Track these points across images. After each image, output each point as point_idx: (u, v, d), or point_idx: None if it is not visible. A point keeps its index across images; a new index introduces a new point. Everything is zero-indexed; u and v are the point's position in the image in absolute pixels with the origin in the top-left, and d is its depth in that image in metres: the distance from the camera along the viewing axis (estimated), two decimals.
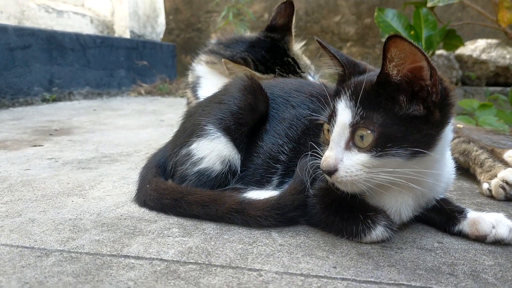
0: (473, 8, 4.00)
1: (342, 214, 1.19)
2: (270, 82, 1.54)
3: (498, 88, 5.01)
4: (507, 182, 1.57)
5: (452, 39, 4.65)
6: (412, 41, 0.99)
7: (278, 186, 1.38)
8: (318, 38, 1.20)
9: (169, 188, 1.42)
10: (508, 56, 6.45)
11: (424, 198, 1.21)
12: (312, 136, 1.35)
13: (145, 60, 6.56)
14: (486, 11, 3.95)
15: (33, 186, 1.70)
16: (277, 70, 2.04)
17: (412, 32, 4.65)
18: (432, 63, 1.02)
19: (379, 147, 1.04)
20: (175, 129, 2.99)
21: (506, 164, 1.72)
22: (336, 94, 1.15)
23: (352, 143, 1.08)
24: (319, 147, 1.25)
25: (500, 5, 3.58)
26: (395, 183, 1.07)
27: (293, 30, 2.20)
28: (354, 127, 1.07)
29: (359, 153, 1.07)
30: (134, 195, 1.53)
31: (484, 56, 6.68)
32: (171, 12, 8.60)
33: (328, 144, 1.13)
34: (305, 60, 2.22)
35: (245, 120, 1.40)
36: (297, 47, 2.23)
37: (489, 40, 6.74)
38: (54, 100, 4.86)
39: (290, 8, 2.17)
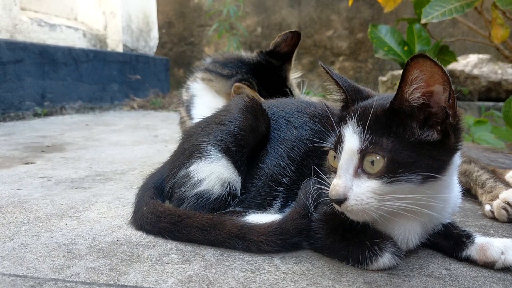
0: (464, 24, 4.03)
1: (347, 240, 1.15)
2: (271, 102, 1.51)
3: (491, 103, 5.04)
4: (509, 204, 1.54)
5: (445, 54, 4.67)
6: (435, 60, 0.96)
7: (281, 209, 1.34)
8: (322, 63, 1.17)
9: (167, 211, 1.38)
10: (499, 71, 6.50)
11: (431, 223, 1.18)
12: (315, 158, 1.32)
13: (138, 74, 6.54)
14: (477, 26, 3.97)
15: (25, 208, 1.65)
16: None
17: (405, 48, 4.67)
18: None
19: (390, 173, 1.01)
20: (170, 145, 2.94)
21: (507, 185, 1.70)
22: (341, 120, 1.12)
23: (361, 169, 1.04)
24: (322, 170, 1.22)
25: (494, 22, 3.60)
26: (406, 210, 1.04)
27: (293, 60, 2.17)
28: (363, 153, 1.03)
29: (369, 180, 1.03)
30: (130, 218, 1.48)
31: (476, 71, 6.73)
32: (164, 26, 8.61)
33: (334, 172, 1.10)
34: (297, 92, 2.20)
35: (246, 141, 1.37)
36: (293, 76, 2.21)
37: (481, 55, 6.80)
38: (46, 115, 4.80)
39: (297, 38, 2.14)
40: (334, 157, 1.11)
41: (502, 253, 1.14)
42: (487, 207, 1.60)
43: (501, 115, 3.77)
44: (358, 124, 1.06)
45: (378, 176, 1.02)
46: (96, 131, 3.88)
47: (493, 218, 1.58)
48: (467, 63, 6.76)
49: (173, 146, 3.14)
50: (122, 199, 1.78)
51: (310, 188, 1.23)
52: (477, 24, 4.45)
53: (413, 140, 1.03)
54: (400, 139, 1.03)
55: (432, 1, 3.26)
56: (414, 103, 1.03)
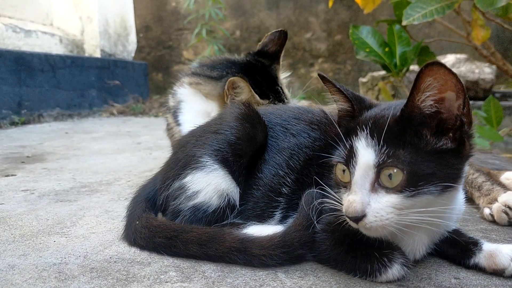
0: (443, 25, 4.05)
1: (355, 251, 1.11)
2: (267, 109, 1.47)
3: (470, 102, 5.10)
4: (509, 207, 1.53)
5: (426, 55, 4.69)
6: (449, 68, 0.93)
7: (282, 220, 1.29)
8: (320, 73, 1.13)
9: (161, 225, 1.32)
10: (477, 70, 6.60)
11: (439, 232, 1.15)
12: (315, 166, 1.28)
13: (116, 80, 6.41)
14: (454, 26, 4.01)
15: (9, 224, 1.56)
16: (271, 96, 1.97)
17: (386, 49, 4.68)
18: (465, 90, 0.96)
19: (412, 186, 0.97)
20: (154, 153, 2.87)
21: (504, 187, 1.68)
22: (351, 132, 1.07)
23: (378, 184, 1.00)
24: (323, 180, 1.18)
25: (474, 23, 3.63)
26: (424, 222, 1.00)
27: (281, 60, 2.15)
28: (380, 167, 0.99)
29: (388, 195, 0.99)
30: (122, 233, 1.42)
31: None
32: (142, 30, 8.49)
33: (344, 186, 1.06)
34: (287, 92, 2.17)
35: (244, 151, 1.31)
36: (282, 76, 2.18)
37: (458, 55, 6.90)
38: (24, 123, 4.66)
39: (284, 37, 2.12)
40: (343, 170, 1.07)
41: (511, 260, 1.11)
42: (487, 211, 1.59)
43: (485, 114, 3.81)
44: (371, 136, 1.02)
45: (398, 190, 0.98)
46: (77, 140, 3.77)
47: (493, 222, 1.56)
48: (445, 63, 6.82)
49: (157, 153, 3.09)
50: (111, 212, 1.71)
51: (313, 198, 1.19)
52: (453, 24, 4.49)
53: (430, 149, 0.99)
54: (416, 149, 0.99)
55: (413, 2, 3.26)
56: (427, 110, 0.99)
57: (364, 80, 6.29)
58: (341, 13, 8.12)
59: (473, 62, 6.97)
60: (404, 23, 3.87)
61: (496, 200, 1.58)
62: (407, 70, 4.39)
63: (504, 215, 1.52)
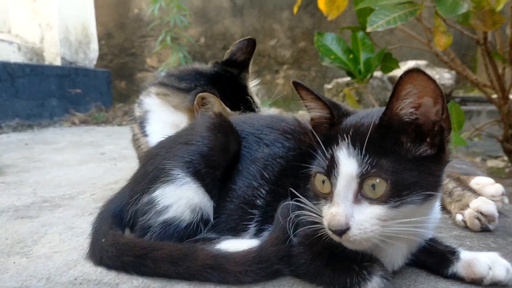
0: (404, 32, 4.12)
1: (333, 265, 1.08)
2: (239, 118, 1.42)
3: None
4: (481, 213, 1.53)
5: (389, 61, 4.76)
6: (429, 74, 0.91)
7: (256, 234, 1.25)
8: (296, 80, 1.09)
9: (129, 242, 1.25)
10: (437, 76, 6.77)
11: (417, 242, 1.13)
12: (290, 177, 1.24)
13: (78, 88, 6.22)
14: (415, 33, 4.09)
15: None
16: (241, 107, 1.92)
17: (351, 56, 4.72)
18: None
19: (396, 197, 0.94)
20: (119, 163, 2.77)
21: (474, 193, 1.69)
22: (330, 141, 1.04)
23: (360, 195, 0.97)
24: (298, 191, 1.14)
25: (436, 29, 3.70)
26: (407, 232, 0.98)
27: (250, 68, 2.10)
28: (363, 177, 0.96)
29: (371, 206, 0.96)
30: (87, 251, 1.33)
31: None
32: (104, 37, 8.31)
33: (324, 198, 1.02)
34: (257, 100, 2.13)
35: (217, 162, 1.26)
36: (252, 85, 2.14)
37: (419, 62, 7.07)
38: None
39: (253, 46, 2.08)
40: (323, 181, 1.03)
41: (490, 268, 1.10)
42: (459, 217, 1.58)
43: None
44: (353, 146, 0.99)
45: (383, 200, 0.95)
46: (37, 151, 3.62)
47: (466, 228, 1.56)
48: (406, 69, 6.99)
49: (123, 164, 2.99)
50: (75, 229, 1.62)
51: (289, 210, 1.15)
52: (414, 31, 4.58)
53: (411, 157, 0.97)
54: (398, 158, 0.97)
55: (376, 10, 3.29)
56: (406, 118, 0.98)
57: (329, 86, 6.33)
58: (305, 20, 8.19)
59: (433, 68, 7.16)
60: (368, 30, 3.90)
61: (467, 206, 1.58)
62: (371, 76, 4.45)
63: (476, 221, 1.52)
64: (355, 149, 0.98)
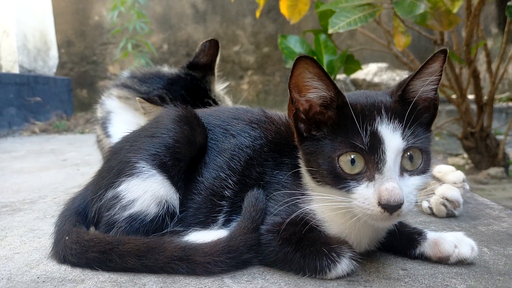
0: (364, 35, 4.21)
1: (303, 250, 1.07)
2: (205, 111, 1.40)
3: None
4: (447, 199, 1.56)
5: (351, 63, 4.84)
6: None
7: (225, 224, 1.23)
8: (304, 54, 1.10)
9: (94, 238, 1.21)
10: (397, 78, 6.94)
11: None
12: (257, 166, 1.23)
13: (38, 96, 6.06)
14: (374, 35, 4.18)
15: None
16: None
17: (314, 58, 4.78)
18: None
19: (428, 166, 1.03)
20: (82, 168, 2.69)
21: (438, 180, 1.73)
22: (364, 118, 1.01)
23: (401, 168, 1.01)
24: (265, 177, 1.15)
25: (395, 30, 3.78)
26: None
27: (216, 70, 2.06)
28: (407, 150, 1.01)
29: (411, 177, 1.02)
30: (50, 251, 1.29)
31: (376, 79, 7.13)
32: (63, 45, 8.13)
33: (353, 179, 1.00)
34: (227, 102, 2.10)
35: (183, 154, 1.24)
36: (219, 88, 2.10)
37: (380, 64, 7.23)
38: None
39: (215, 47, 2.03)
40: (352, 161, 1.01)
41: (456, 247, 1.13)
42: (425, 204, 1.62)
43: None
44: (392, 119, 1.01)
45: (421, 171, 1.02)
46: None
47: (431, 214, 1.60)
48: (368, 71, 7.13)
49: (85, 169, 2.92)
50: (37, 231, 1.57)
51: (256, 199, 1.15)
52: (374, 34, 4.69)
53: (423, 127, 1.07)
54: (420, 128, 1.05)
55: (337, 12, 3.34)
56: (424, 95, 1.08)
57: None
58: (268, 25, 8.25)
59: (394, 70, 7.33)
60: (330, 31, 3.96)
61: (432, 192, 1.62)
62: (334, 78, 4.50)
63: (442, 207, 1.56)
64: (394, 123, 1.01)
